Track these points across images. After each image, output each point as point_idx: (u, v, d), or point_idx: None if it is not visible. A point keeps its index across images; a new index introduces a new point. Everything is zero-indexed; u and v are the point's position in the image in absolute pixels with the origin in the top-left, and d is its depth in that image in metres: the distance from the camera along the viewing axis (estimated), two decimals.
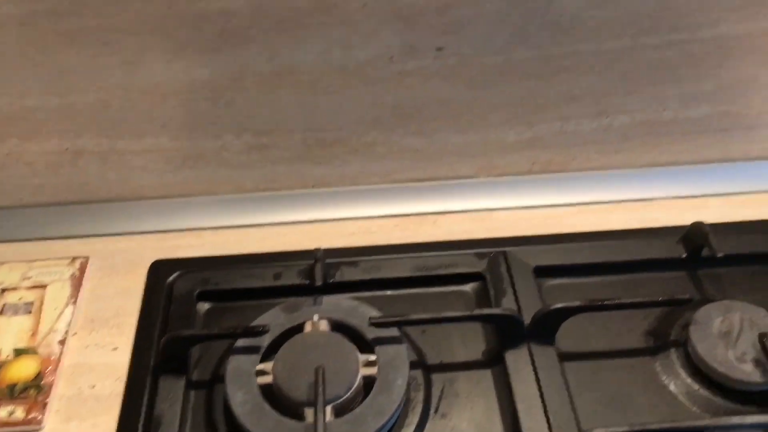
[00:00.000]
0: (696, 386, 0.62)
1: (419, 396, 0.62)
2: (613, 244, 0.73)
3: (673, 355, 0.65)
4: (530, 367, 0.63)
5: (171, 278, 0.71)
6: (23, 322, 0.68)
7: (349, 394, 0.59)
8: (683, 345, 0.65)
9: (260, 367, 0.61)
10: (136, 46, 0.66)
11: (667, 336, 0.66)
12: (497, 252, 0.72)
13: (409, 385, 0.61)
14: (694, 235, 0.71)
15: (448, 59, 0.69)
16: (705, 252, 0.70)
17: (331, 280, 0.69)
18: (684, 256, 0.72)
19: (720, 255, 0.67)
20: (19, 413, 0.61)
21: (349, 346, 0.61)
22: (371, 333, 0.63)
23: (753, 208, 0.78)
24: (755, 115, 0.77)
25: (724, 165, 0.81)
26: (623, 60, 0.71)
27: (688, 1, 0.67)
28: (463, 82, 0.71)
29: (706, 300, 0.68)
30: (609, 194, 0.80)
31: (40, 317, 0.68)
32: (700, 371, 0.63)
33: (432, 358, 0.66)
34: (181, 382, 0.62)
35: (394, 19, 0.66)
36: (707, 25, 0.69)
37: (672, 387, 0.63)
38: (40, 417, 0.61)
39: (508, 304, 0.68)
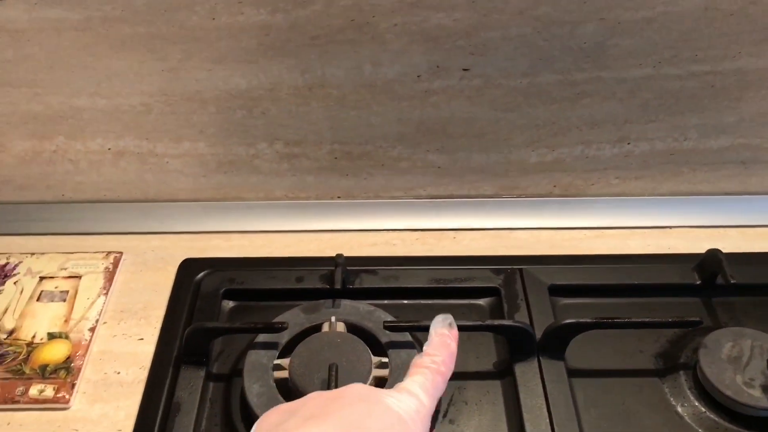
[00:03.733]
0: (703, 409, 0.63)
1: None
2: (629, 268, 0.75)
3: (682, 377, 0.66)
4: (539, 380, 0.64)
5: (199, 276, 0.74)
6: (58, 308, 0.72)
7: None
8: (692, 368, 0.66)
9: (277, 362, 0.63)
10: (179, 54, 0.70)
11: (677, 359, 0.67)
12: (513, 269, 0.74)
13: None
14: (709, 262, 0.72)
15: (474, 80, 0.72)
16: (719, 279, 0.71)
17: (350, 286, 0.72)
18: (698, 282, 0.73)
19: (733, 282, 0.68)
20: (49, 392, 0.64)
21: (363, 348, 0.64)
22: (385, 337, 0.65)
23: None
24: None
25: (742, 197, 0.82)
26: (645, 88, 0.73)
27: (709, 34, 0.69)
28: (487, 102, 0.74)
29: (717, 326, 0.69)
30: (628, 220, 0.81)
31: (73, 305, 0.72)
32: (707, 394, 0.63)
33: None
34: (201, 373, 0.65)
35: (423, 40, 0.69)
36: (728, 58, 0.71)
37: (679, 409, 0.64)
38: (67, 397, 0.64)
39: (520, 319, 0.69)
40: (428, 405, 0.47)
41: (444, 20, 0.68)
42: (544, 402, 0.63)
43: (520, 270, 0.74)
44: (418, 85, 0.73)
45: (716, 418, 0.62)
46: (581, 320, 0.65)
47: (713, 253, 0.72)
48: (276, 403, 0.60)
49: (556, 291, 0.73)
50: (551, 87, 0.73)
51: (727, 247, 0.73)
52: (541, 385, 0.64)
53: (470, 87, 0.73)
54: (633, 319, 0.66)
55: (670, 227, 0.81)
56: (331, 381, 0.59)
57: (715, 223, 0.81)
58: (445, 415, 0.63)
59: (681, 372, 0.66)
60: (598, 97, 0.74)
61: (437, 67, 0.71)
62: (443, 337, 0.50)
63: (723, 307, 0.72)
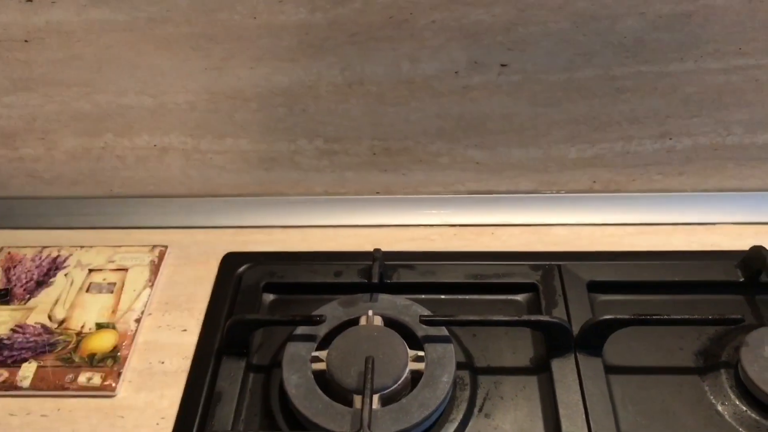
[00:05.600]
0: (744, 408, 0.62)
1: (464, 395, 0.65)
2: (669, 265, 0.74)
3: (723, 375, 0.65)
4: (576, 376, 0.64)
5: (240, 269, 0.76)
6: (105, 299, 0.74)
7: (396, 385, 0.61)
8: (734, 366, 0.65)
9: (315, 354, 0.64)
10: (222, 53, 0.72)
11: (718, 357, 0.66)
12: (552, 265, 0.74)
13: (455, 383, 0.64)
14: (753, 260, 0.71)
15: (512, 76, 0.72)
16: (763, 277, 0.70)
17: (387, 281, 0.73)
18: (741, 279, 0.72)
19: None
20: (96, 380, 0.67)
21: (400, 341, 0.64)
22: (421, 331, 0.66)
23: None
24: None
25: None
26: (687, 83, 0.72)
27: (753, 27, 0.68)
28: (526, 98, 0.74)
29: (760, 324, 0.68)
30: (670, 216, 0.80)
31: (120, 297, 0.74)
32: (749, 393, 0.62)
33: (480, 361, 0.68)
34: (242, 364, 0.67)
35: (461, 36, 0.69)
36: None
37: (719, 407, 0.63)
38: (114, 385, 0.66)
39: (558, 315, 0.69)
40: None
41: (482, 16, 0.68)
42: (580, 398, 0.63)
43: (559, 266, 0.74)
44: (456, 81, 0.73)
45: (758, 417, 0.61)
46: (619, 317, 0.65)
47: (757, 250, 0.71)
48: (314, 394, 0.61)
49: (594, 287, 0.72)
50: (591, 82, 0.73)
51: None
52: (577, 381, 0.64)
53: (509, 82, 0.73)
54: (673, 316, 0.65)
55: (713, 224, 0.79)
56: (368, 374, 0.60)
57: (760, 220, 0.79)
58: (480, 410, 0.64)
59: (722, 370, 0.65)
60: (638, 93, 0.73)
61: (475, 63, 0.72)
62: None
63: (766, 304, 0.71)
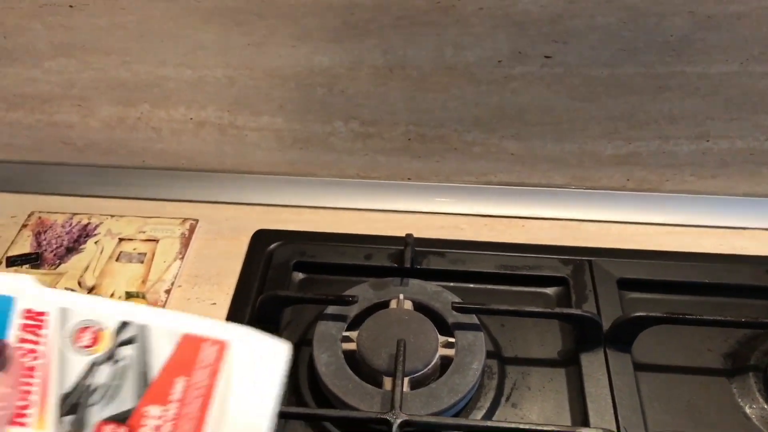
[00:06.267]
0: None
1: (492, 383, 0.65)
2: (700, 266, 0.74)
3: (752, 379, 0.65)
4: (605, 371, 0.64)
5: (271, 246, 0.76)
6: (135, 269, 0.74)
7: (426, 369, 0.62)
8: (763, 370, 0.65)
9: (346, 334, 0.65)
10: (265, 29, 0.72)
11: (747, 360, 0.66)
12: (583, 260, 0.74)
13: (483, 371, 0.64)
14: None
15: (555, 68, 0.72)
16: None
17: (418, 266, 0.73)
18: None
19: None
20: None
21: (430, 326, 0.64)
22: (452, 317, 0.66)
23: None
24: None
25: None
26: (729, 85, 0.72)
27: None
28: (566, 91, 0.74)
29: None
30: (701, 218, 0.80)
31: (150, 267, 0.74)
32: None
33: (508, 351, 0.68)
34: None
35: (507, 24, 0.69)
36: None
37: (747, 410, 0.63)
38: None
39: (589, 310, 0.69)
40: None
41: (530, 6, 0.68)
42: (609, 392, 0.63)
43: (590, 261, 0.74)
44: (498, 70, 0.73)
45: None
46: (653, 314, 0.64)
47: None
48: (344, 373, 0.61)
49: (625, 285, 0.72)
50: (632, 79, 0.72)
51: None
52: (606, 376, 0.64)
53: (551, 75, 0.73)
54: (705, 317, 0.65)
55: (744, 228, 0.79)
56: (400, 356, 0.60)
57: None
58: (508, 399, 0.64)
59: (751, 373, 0.65)
60: (679, 92, 0.73)
61: (519, 53, 0.71)
62: None
63: None
